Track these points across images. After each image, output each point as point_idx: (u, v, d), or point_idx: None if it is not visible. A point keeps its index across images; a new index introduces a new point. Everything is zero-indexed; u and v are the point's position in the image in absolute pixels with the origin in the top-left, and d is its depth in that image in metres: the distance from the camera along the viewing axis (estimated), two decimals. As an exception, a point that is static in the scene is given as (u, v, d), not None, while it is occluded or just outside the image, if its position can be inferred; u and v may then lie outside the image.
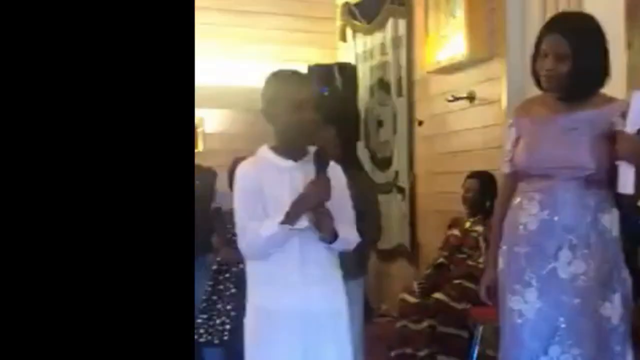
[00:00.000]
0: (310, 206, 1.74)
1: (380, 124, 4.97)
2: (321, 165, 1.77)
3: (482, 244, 3.44)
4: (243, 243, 1.80)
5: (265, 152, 1.85)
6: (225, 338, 2.65)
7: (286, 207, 1.73)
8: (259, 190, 1.78)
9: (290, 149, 1.84)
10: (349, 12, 5.15)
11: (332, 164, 1.82)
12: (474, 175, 3.59)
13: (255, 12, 5.21)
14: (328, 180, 1.75)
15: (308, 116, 1.79)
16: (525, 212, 1.98)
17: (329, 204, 1.75)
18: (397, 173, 4.76)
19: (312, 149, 1.85)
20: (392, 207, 4.69)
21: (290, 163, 1.82)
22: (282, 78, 1.88)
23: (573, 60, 1.89)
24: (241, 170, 1.84)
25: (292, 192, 1.76)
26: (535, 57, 2.02)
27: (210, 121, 4.94)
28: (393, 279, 4.75)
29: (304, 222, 1.74)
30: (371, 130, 5.06)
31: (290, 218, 1.72)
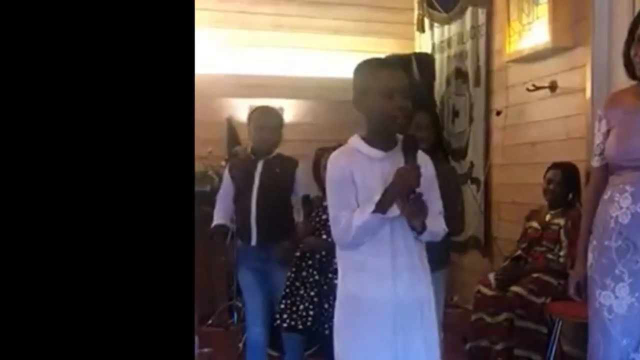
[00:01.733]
0: (401, 193, 1.74)
1: (456, 114, 4.92)
2: (410, 152, 1.77)
3: (563, 238, 3.36)
4: (335, 232, 1.81)
5: (356, 142, 1.85)
6: (309, 324, 2.69)
7: (377, 197, 1.73)
8: (351, 180, 1.78)
9: (381, 138, 1.82)
10: (428, 3, 5.12)
11: (420, 152, 1.82)
12: (557, 166, 3.49)
13: (333, 4, 5.26)
14: (418, 167, 1.74)
15: (400, 104, 1.78)
16: (617, 205, 1.94)
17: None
18: (472, 164, 4.71)
19: (401, 137, 1.84)
20: (466, 199, 4.63)
21: (380, 153, 1.81)
22: (372, 67, 1.86)
23: None
24: (333, 160, 1.85)
25: (382, 182, 1.75)
26: (629, 43, 1.95)
27: (287, 111, 5.02)
28: (465, 270, 4.71)
29: (395, 211, 1.74)
30: (446, 120, 5.02)
31: (382, 206, 1.73)
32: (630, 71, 1.99)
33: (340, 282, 1.89)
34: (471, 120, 4.70)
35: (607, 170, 2.04)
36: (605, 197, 1.99)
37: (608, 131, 2.03)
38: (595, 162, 2.09)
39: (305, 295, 2.71)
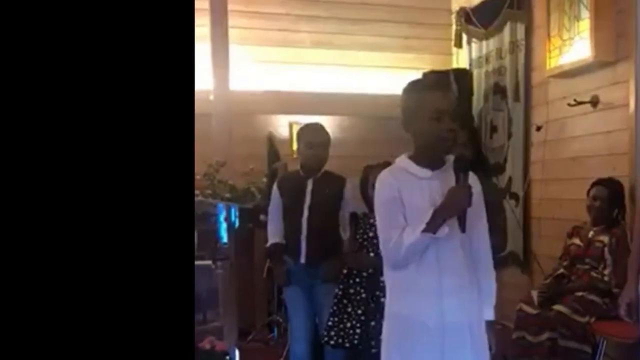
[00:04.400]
0: (453, 214, 1.75)
1: (494, 129, 4.89)
2: (462, 173, 1.78)
3: (607, 255, 3.29)
4: (386, 251, 1.82)
5: (404, 162, 1.87)
6: (355, 341, 2.69)
7: (425, 217, 1.74)
8: (399, 200, 1.80)
9: (429, 158, 1.84)
10: (466, 18, 5.12)
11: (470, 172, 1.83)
12: (602, 182, 3.43)
13: (371, 21, 5.29)
14: (469, 188, 1.76)
15: (449, 126, 1.79)
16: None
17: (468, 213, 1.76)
18: (510, 179, 4.66)
19: (449, 157, 1.85)
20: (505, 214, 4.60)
21: (428, 172, 1.83)
22: (420, 89, 1.87)
23: None
24: (381, 180, 1.86)
25: (430, 201, 1.77)
26: None
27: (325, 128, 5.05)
28: (503, 286, 4.60)
29: (444, 230, 1.75)
30: (484, 135, 4.99)
31: (432, 226, 1.74)
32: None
33: (387, 301, 1.90)
34: (510, 135, 4.67)
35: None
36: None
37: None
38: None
39: (352, 312, 2.72)
